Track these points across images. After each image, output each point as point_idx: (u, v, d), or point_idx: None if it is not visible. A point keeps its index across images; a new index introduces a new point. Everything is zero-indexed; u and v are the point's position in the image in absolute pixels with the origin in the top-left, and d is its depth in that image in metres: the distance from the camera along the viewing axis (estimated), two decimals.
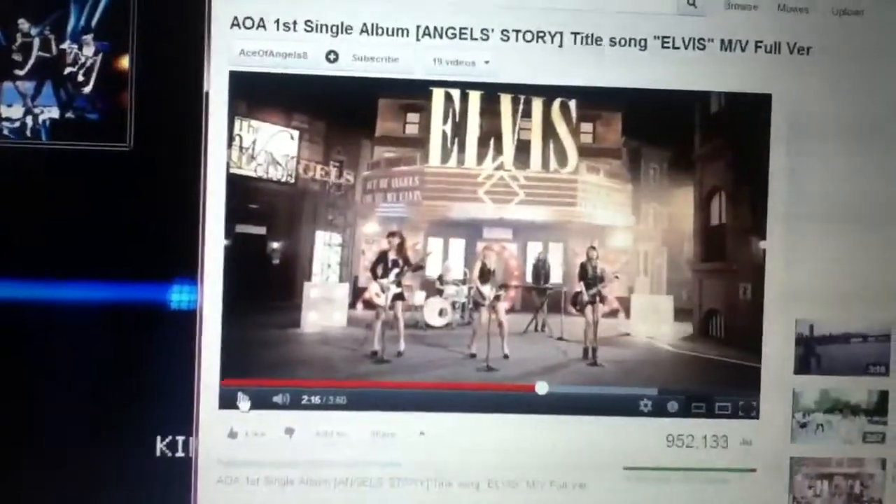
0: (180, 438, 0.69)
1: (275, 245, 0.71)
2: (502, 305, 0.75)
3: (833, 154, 0.72)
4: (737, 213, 0.72)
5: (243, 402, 0.69)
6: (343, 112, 0.71)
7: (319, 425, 0.70)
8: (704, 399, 0.72)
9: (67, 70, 0.67)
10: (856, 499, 0.73)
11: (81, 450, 0.69)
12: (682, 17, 0.70)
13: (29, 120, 0.67)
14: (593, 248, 0.75)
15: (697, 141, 0.72)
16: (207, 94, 0.68)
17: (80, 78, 0.67)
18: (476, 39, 0.69)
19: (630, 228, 0.73)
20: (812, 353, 0.72)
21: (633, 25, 0.70)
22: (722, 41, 0.70)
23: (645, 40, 0.70)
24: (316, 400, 0.70)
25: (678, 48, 0.70)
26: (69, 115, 0.67)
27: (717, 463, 0.72)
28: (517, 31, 0.69)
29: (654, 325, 0.74)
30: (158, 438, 0.69)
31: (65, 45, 0.67)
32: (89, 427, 0.69)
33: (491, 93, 0.70)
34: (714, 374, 0.72)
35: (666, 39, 0.70)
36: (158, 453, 0.69)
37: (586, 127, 0.72)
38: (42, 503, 0.69)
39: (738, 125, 0.71)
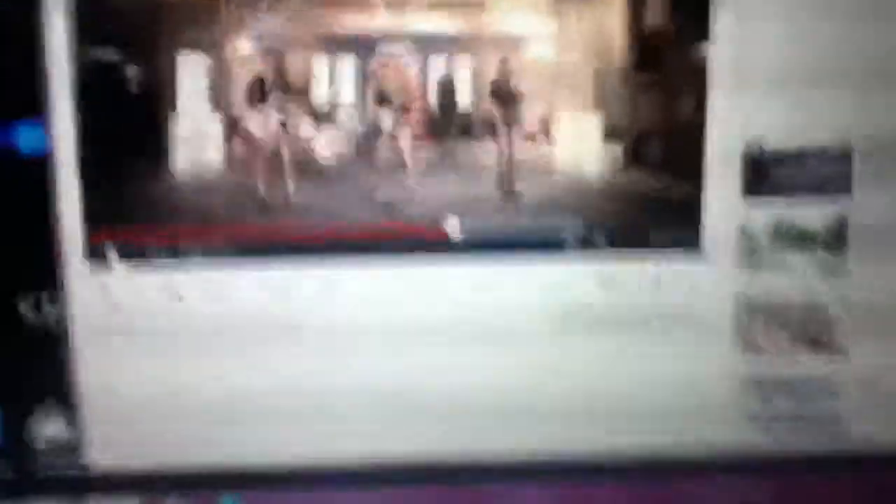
0: (45, 299, 0.66)
1: (131, 71, 0.65)
2: (404, 132, 0.69)
3: None
4: (676, 13, 0.66)
5: (114, 259, 0.66)
6: None
7: (204, 284, 0.67)
8: (639, 233, 0.68)
9: None
10: (815, 342, 0.70)
11: None
12: None
13: None
14: (506, 60, 0.68)
15: None
16: None
17: None
18: None
19: (549, 36, 0.66)
20: (763, 176, 0.67)
21: None
22: None
23: None
24: (197, 254, 0.67)
25: None
26: None
27: (656, 307, 0.69)
28: None
29: (579, 149, 0.68)
30: (21, 299, 0.66)
31: None
32: None
33: None
34: (649, 203, 0.68)
35: None
36: (22, 316, 0.66)
37: None
38: None
39: None
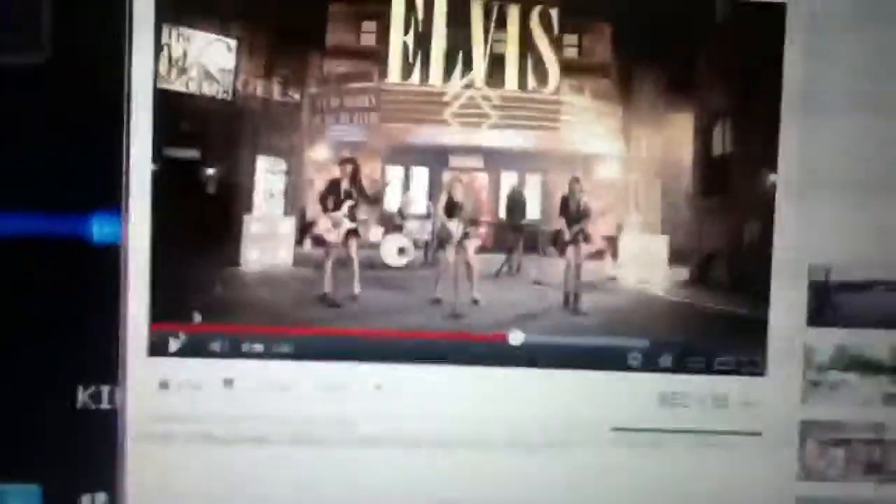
0: (105, 389, 0.67)
1: (210, 171, 0.67)
2: (471, 244, 0.72)
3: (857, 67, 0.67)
4: (743, 141, 0.68)
5: (176, 352, 0.67)
6: (288, 19, 0.67)
7: (262, 376, 0.67)
8: (703, 353, 0.69)
9: None
10: (875, 468, 0.70)
11: None
12: None
13: None
14: (577, 179, 0.70)
15: (699, 57, 0.67)
16: None
17: None
18: None
19: (619, 157, 0.69)
20: (827, 302, 0.68)
21: None
22: None
23: None
24: (258, 348, 0.67)
25: None
26: None
27: (716, 425, 0.69)
28: None
29: (645, 268, 0.70)
30: (80, 388, 0.66)
31: None
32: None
33: None
34: (714, 325, 0.69)
35: None
36: (80, 405, 0.66)
37: (570, 39, 0.67)
38: None
39: (747, 39, 0.66)
